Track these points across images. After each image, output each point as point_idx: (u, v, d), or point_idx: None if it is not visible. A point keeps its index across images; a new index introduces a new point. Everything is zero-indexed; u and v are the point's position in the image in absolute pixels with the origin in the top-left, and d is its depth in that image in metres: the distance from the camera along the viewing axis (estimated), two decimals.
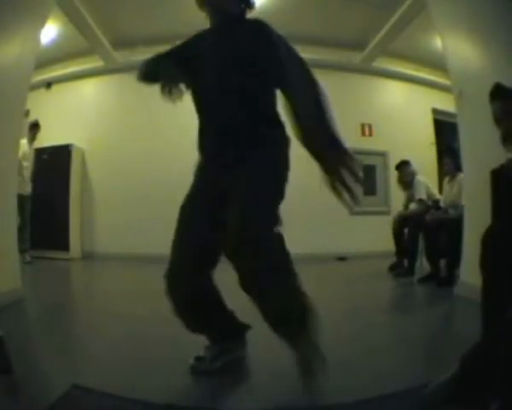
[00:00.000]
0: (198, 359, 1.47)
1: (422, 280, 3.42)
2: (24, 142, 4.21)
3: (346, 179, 1.29)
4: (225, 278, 1.42)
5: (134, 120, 5.45)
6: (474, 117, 2.86)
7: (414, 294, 3.35)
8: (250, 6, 1.57)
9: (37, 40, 3.10)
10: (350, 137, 6.01)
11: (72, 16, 4.27)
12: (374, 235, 5.22)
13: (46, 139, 5.37)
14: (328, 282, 3.76)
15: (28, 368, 1.51)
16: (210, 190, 1.43)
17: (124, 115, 5.52)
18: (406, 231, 3.86)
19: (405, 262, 3.85)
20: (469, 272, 2.64)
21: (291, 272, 1.38)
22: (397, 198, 4.94)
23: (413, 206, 4.01)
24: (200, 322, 1.52)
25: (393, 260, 4.04)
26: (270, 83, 1.41)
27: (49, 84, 5.62)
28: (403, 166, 4.08)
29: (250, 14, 1.62)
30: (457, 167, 3.34)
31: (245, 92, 1.37)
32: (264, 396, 1.35)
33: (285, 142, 1.45)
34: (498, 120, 1.68)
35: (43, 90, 5.57)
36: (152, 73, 1.60)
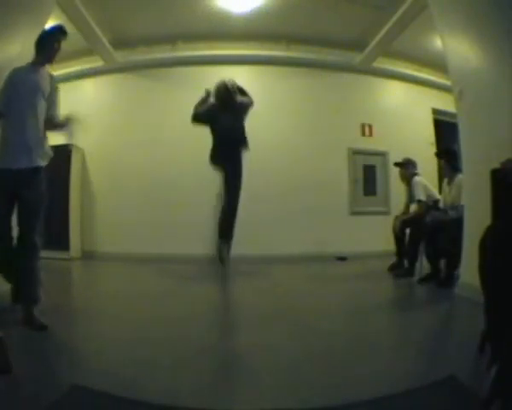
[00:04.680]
0: None
1: (422, 280, 3.42)
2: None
3: None
4: None
5: (134, 120, 5.45)
6: (474, 117, 2.86)
7: (414, 294, 3.35)
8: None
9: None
10: (350, 137, 6.04)
11: (72, 16, 4.26)
12: (374, 235, 5.22)
13: None
14: (328, 282, 3.76)
15: (28, 368, 1.51)
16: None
17: (124, 115, 5.51)
18: (407, 231, 3.86)
19: (405, 262, 3.85)
20: (469, 272, 2.64)
21: None
22: (397, 198, 4.95)
23: (413, 207, 4.02)
24: None
25: (393, 260, 4.04)
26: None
27: None
28: (403, 164, 4.13)
29: None
30: (456, 169, 3.34)
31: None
32: (264, 396, 1.35)
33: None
34: None
35: None
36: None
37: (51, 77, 2.27)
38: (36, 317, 2.06)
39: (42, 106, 2.18)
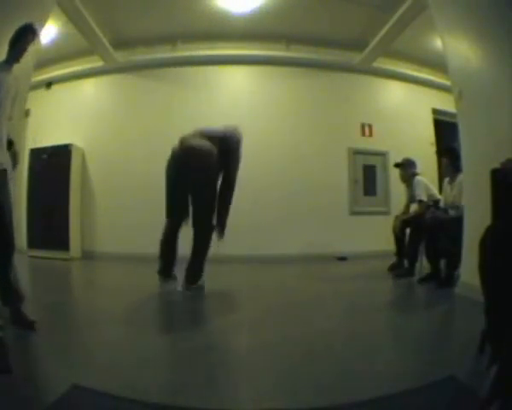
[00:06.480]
0: None
1: (422, 280, 3.42)
2: None
3: None
4: None
5: (134, 120, 5.45)
6: (474, 117, 2.86)
7: (414, 294, 3.35)
8: None
9: (38, 40, 3.09)
10: (350, 137, 6.02)
11: (72, 16, 4.26)
12: (374, 235, 5.22)
13: (46, 139, 5.38)
14: (328, 282, 3.76)
15: (28, 368, 1.51)
16: None
17: (124, 115, 5.51)
18: (407, 231, 3.85)
19: (405, 262, 3.85)
20: (469, 272, 2.64)
21: None
22: (397, 198, 4.94)
23: (414, 207, 4.02)
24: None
25: (393, 260, 4.04)
26: None
27: (49, 84, 5.62)
28: (402, 165, 4.12)
29: None
30: (457, 168, 3.34)
31: None
32: (264, 396, 1.35)
33: None
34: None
35: (43, 90, 5.57)
36: None
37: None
38: (24, 314, 2.03)
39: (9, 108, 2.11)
